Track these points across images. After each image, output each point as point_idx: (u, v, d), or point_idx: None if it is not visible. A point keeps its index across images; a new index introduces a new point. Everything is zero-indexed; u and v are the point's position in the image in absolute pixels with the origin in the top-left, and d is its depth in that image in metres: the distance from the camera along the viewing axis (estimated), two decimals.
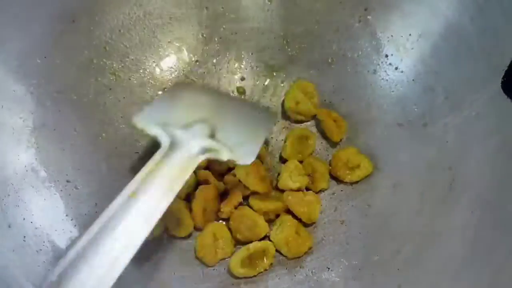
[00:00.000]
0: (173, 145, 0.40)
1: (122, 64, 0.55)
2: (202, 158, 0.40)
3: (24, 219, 0.45)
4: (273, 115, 0.50)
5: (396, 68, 0.52)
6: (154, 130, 0.42)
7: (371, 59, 0.53)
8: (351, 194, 0.50)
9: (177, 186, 0.37)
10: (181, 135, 0.41)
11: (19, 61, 0.49)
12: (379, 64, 0.53)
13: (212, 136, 0.42)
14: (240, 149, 0.41)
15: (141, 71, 0.56)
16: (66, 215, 0.48)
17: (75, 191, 0.49)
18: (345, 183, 0.51)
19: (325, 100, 0.55)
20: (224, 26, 0.56)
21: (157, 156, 0.39)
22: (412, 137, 0.49)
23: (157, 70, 0.56)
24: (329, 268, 0.46)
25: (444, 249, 0.41)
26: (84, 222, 0.48)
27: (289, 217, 0.48)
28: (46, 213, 0.47)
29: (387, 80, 0.52)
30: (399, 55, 0.52)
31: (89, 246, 0.34)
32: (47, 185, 0.48)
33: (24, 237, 0.44)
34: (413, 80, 0.51)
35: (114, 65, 0.55)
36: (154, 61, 0.56)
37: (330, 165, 0.52)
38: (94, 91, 0.53)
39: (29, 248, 0.44)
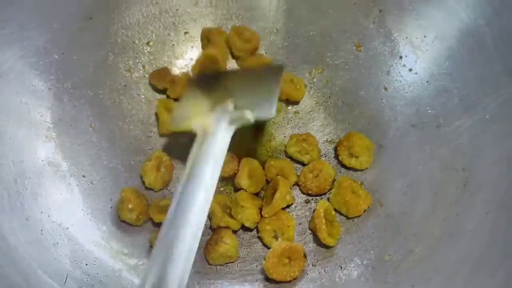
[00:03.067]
0: (206, 130, 0.45)
1: (137, 61, 0.55)
2: (233, 129, 0.45)
3: (41, 212, 0.46)
4: (278, 68, 0.51)
5: (410, 70, 0.52)
6: (187, 126, 0.47)
7: (385, 60, 0.53)
8: None
9: (221, 160, 0.43)
10: (209, 120, 0.46)
11: (37, 57, 0.49)
12: (393, 66, 0.53)
13: (235, 108, 0.47)
14: (260, 107, 0.46)
15: (155, 68, 0.56)
16: (82, 210, 0.48)
17: (90, 186, 0.50)
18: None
19: (337, 100, 0.55)
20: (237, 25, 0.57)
21: (196, 144, 0.44)
22: (426, 139, 0.49)
23: (171, 67, 0.56)
24: (341, 267, 0.46)
25: (458, 250, 0.41)
26: (100, 216, 0.49)
27: (346, 178, 0.50)
28: (62, 207, 0.47)
29: (401, 81, 0.53)
30: (414, 57, 0.52)
31: (166, 238, 0.38)
32: (63, 179, 0.49)
33: (41, 230, 0.45)
34: (427, 81, 0.51)
35: (130, 62, 0.55)
36: (168, 59, 0.57)
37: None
38: (109, 87, 0.54)
39: (46, 241, 0.45)
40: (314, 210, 0.49)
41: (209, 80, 0.52)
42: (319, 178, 0.50)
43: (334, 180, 0.51)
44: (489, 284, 0.39)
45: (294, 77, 0.56)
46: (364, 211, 0.48)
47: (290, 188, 0.50)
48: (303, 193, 0.52)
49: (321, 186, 0.50)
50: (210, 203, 0.40)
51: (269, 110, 0.46)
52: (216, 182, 0.42)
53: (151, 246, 0.48)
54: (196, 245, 0.38)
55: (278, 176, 0.50)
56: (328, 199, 0.50)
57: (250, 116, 0.46)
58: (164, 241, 0.38)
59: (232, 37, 0.55)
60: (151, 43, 0.56)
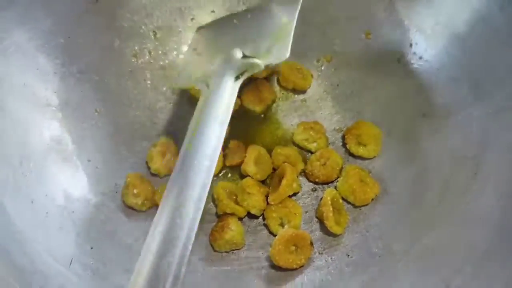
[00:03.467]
0: (211, 85, 0.43)
1: (144, 46, 0.55)
2: (242, 79, 0.43)
3: (46, 195, 0.45)
4: (293, 2, 0.47)
5: (421, 58, 0.51)
6: (189, 83, 0.45)
7: (395, 48, 0.52)
8: None
9: (227, 118, 0.41)
10: (216, 71, 0.43)
11: (43, 40, 0.49)
12: (403, 53, 0.52)
13: (243, 56, 0.44)
14: (272, 51, 0.43)
15: (161, 54, 0.55)
16: (87, 194, 0.48)
17: (95, 171, 0.49)
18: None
19: (346, 89, 0.54)
20: (245, 4, 0.55)
21: (200, 101, 0.42)
22: (435, 127, 0.48)
23: (177, 54, 0.56)
24: (348, 255, 0.46)
25: (468, 239, 0.41)
26: (104, 201, 0.48)
27: (353, 166, 0.49)
28: (67, 190, 0.47)
29: (410, 69, 0.52)
30: (424, 44, 0.51)
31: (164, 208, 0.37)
32: (68, 163, 0.48)
33: (47, 213, 0.44)
34: (437, 69, 0.50)
35: (136, 47, 0.55)
36: (175, 45, 0.56)
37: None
38: (115, 72, 0.53)
39: (51, 224, 0.44)
40: (321, 199, 0.49)
41: (215, 28, 0.50)
42: (327, 167, 0.50)
43: (341, 169, 0.50)
44: (500, 273, 0.38)
45: (300, 66, 0.55)
46: (372, 199, 0.48)
47: (297, 176, 0.50)
48: (310, 181, 0.51)
49: (328, 174, 0.50)
50: (215, 166, 0.39)
51: (282, 54, 0.43)
52: (222, 143, 0.40)
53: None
54: (201, 209, 0.37)
55: (285, 163, 0.49)
56: (335, 187, 0.50)
57: (261, 65, 0.43)
58: (168, 204, 0.37)
59: None
60: (157, 29, 0.55)
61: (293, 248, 0.44)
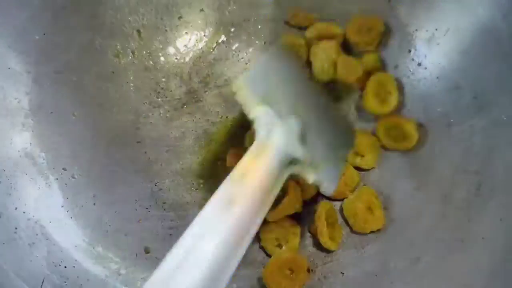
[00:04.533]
0: (267, 140, 0.33)
1: (127, 46, 0.52)
2: (289, 171, 0.34)
3: (16, 208, 0.42)
4: (354, 136, 0.42)
5: (420, 64, 0.49)
6: (255, 112, 0.35)
7: (393, 53, 0.50)
8: None
9: (271, 198, 0.32)
10: (277, 129, 0.34)
11: (15, 37, 0.45)
12: (401, 59, 0.50)
13: (303, 138, 0.34)
14: (325, 169, 0.35)
15: (146, 55, 0.52)
16: (62, 206, 0.45)
17: (72, 181, 0.46)
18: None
19: None
20: (236, 12, 0.53)
21: (247, 156, 0.33)
22: (435, 138, 0.46)
23: (163, 54, 0.53)
24: (343, 273, 0.44)
25: (470, 259, 0.39)
26: (81, 214, 0.45)
27: (371, 191, 0.46)
28: (40, 203, 0.44)
29: (409, 76, 0.50)
30: (424, 51, 0.49)
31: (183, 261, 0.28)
32: (42, 172, 0.45)
33: (16, 228, 0.41)
34: (437, 77, 0.48)
35: (118, 46, 0.51)
36: (160, 45, 0.53)
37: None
38: (95, 73, 0.50)
39: (20, 240, 0.41)
40: (314, 211, 0.46)
41: (293, 74, 0.40)
42: (340, 182, 0.45)
43: (357, 186, 0.47)
44: None
45: None
46: (370, 232, 0.45)
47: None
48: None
49: (341, 191, 0.46)
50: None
51: (331, 183, 0.35)
52: (259, 225, 0.32)
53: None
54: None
55: (290, 181, 0.44)
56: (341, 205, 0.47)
57: (310, 175, 0.34)
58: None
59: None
60: (141, 27, 0.52)
61: (288, 272, 0.42)
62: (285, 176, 0.34)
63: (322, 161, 0.35)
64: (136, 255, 0.45)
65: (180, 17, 0.53)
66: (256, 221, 0.31)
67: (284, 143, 0.33)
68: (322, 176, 0.35)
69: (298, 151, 0.34)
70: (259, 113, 0.35)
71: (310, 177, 0.35)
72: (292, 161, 0.34)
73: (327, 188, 0.36)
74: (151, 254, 0.45)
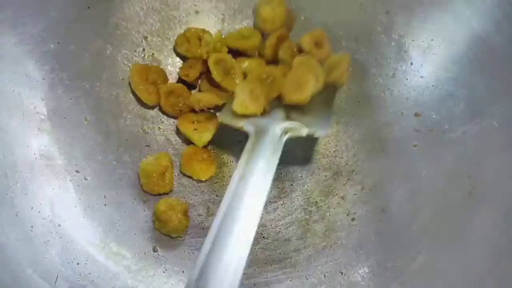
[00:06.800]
0: (259, 132, 0.43)
1: (136, 55, 0.54)
2: (285, 137, 0.43)
3: (32, 208, 0.44)
4: (333, 87, 0.50)
5: (416, 73, 0.51)
6: (239, 124, 0.46)
7: (390, 62, 0.52)
8: (365, 198, 0.50)
9: (273, 166, 0.41)
10: (263, 122, 0.45)
11: (32, 46, 0.47)
12: (398, 68, 0.52)
13: (288, 117, 0.46)
14: (314, 123, 0.44)
15: (154, 63, 0.54)
16: (75, 206, 0.46)
17: (84, 182, 0.48)
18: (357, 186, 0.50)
19: (340, 102, 0.54)
20: (243, 22, 0.55)
21: (249, 144, 0.43)
22: (430, 144, 0.48)
23: (171, 63, 0.55)
24: (342, 273, 0.45)
25: (462, 259, 0.41)
26: (93, 214, 0.47)
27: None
28: (54, 203, 0.45)
29: (406, 85, 0.52)
30: (420, 60, 0.51)
31: (220, 232, 0.37)
32: (56, 174, 0.47)
33: (32, 227, 0.43)
34: (433, 86, 0.50)
35: (128, 54, 0.53)
36: (169, 54, 0.55)
37: None
38: (106, 80, 0.52)
39: (36, 238, 0.43)
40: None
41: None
42: None
43: None
44: None
45: None
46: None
47: None
48: None
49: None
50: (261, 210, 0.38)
51: (323, 129, 0.44)
52: (268, 189, 0.39)
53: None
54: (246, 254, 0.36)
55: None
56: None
57: (303, 132, 0.44)
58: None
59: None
60: (150, 37, 0.54)
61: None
62: (283, 141, 0.43)
63: (310, 120, 0.45)
64: (145, 253, 0.46)
65: (188, 27, 0.55)
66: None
67: (272, 128, 0.43)
68: (314, 129, 0.44)
69: (286, 124, 0.44)
70: (245, 121, 0.45)
71: (303, 133, 0.44)
72: (287, 130, 0.44)
73: (321, 134, 0.45)
74: (158, 253, 0.47)
